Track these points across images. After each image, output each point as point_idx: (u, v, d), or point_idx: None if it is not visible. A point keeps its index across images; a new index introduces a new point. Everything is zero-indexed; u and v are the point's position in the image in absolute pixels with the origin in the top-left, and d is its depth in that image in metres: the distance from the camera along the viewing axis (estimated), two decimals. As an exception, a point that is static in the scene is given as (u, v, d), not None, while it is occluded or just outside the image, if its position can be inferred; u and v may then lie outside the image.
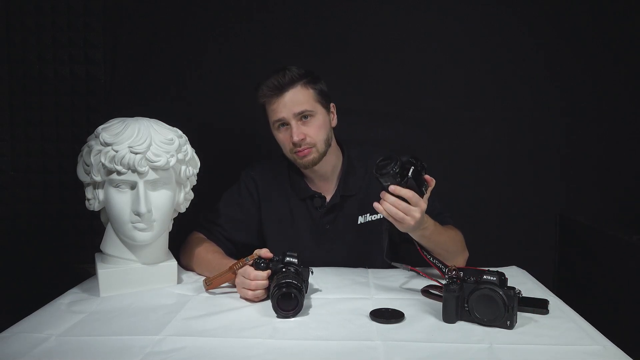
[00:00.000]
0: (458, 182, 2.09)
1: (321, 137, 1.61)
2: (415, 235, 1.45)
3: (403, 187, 1.34)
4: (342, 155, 1.72)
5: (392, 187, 1.33)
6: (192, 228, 1.70)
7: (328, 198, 1.70)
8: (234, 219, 1.69)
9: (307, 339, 1.16)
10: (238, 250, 1.67)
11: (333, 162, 1.69)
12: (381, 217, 1.65)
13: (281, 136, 1.61)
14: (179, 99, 2.07)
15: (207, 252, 1.58)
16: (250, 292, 1.35)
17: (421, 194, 1.37)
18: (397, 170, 1.33)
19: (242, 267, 1.39)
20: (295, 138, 1.56)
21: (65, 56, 2.04)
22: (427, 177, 1.39)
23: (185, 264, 1.63)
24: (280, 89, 1.56)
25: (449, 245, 1.55)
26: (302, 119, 1.58)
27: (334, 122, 1.67)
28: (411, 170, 1.35)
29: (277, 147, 1.86)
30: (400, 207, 1.34)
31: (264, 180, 1.72)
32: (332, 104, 1.66)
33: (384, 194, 1.35)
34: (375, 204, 1.36)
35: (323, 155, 1.63)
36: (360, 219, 1.68)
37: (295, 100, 1.56)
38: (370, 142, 1.81)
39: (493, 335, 1.17)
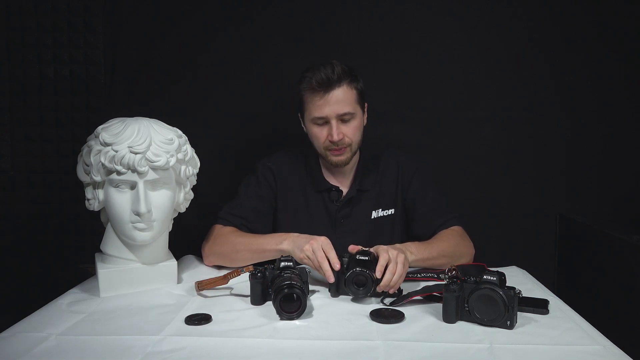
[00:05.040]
0: (458, 182, 2.09)
1: (357, 138, 1.64)
2: (411, 259, 1.48)
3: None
4: (359, 153, 1.74)
5: (378, 273, 1.36)
6: (192, 228, 1.69)
7: (344, 192, 1.72)
8: (256, 210, 1.69)
9: (307, 339, 1.16)
10: None
11: (355, 158, 1.72)
12: (393, 212, 1.71)
13: (317, 131, 1.62)
14: (179, 98, 2.07)
15: (250, 237, 1.60)
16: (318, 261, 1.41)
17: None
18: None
19: (236, 276, 1.41)
20: (336, 137, 1.58)
21: (65, 56, 2.04)
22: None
23: (214, 259, 1.62)
24: (328, 86, 1.56)
25: (446, 253, 1.57)
26: (343, 119, 1.59)
27: (365, 122, 1.69)
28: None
29: (278, 147, 1.87)
30: (393, 269, 1.36)
31: (281, 171, 1.73)
32: (365, 104, 1.68)
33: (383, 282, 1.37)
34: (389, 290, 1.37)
35: (354, 154, 1.67)
36: (374, 214, 1.71)
37: (341, 100, 1.57)
38: (370, 142, 1.81)
39: (493, 335, 1.17)
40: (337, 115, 1.58)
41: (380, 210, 1.72)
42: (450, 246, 1.60)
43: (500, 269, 1.41)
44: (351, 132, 1.61)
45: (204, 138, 1.69)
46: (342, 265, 1.39)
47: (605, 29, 2.06)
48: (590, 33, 2.07)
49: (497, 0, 2.07)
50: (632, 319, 1.67)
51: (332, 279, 1.39)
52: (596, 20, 2.06)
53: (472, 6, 2.07)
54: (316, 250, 1.42)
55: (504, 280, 1.23)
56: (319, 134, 1.62)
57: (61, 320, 1.24)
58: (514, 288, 1.20)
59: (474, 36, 2.08)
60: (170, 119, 1.47)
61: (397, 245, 1.50)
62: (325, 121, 1.60)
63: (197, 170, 1.52)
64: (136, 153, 1.32)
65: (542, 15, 2.07)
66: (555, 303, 1.35)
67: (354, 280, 1.35)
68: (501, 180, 2.12)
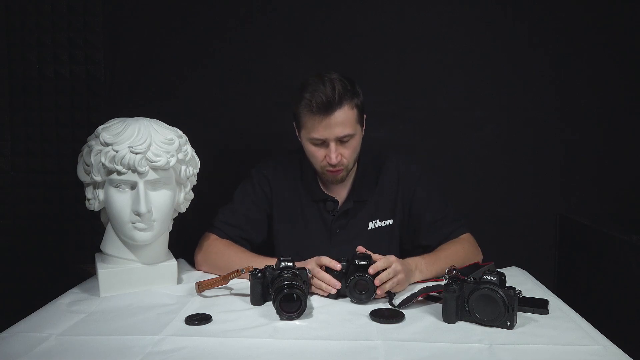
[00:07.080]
0: (458, 182, 2.10)
1: (354, 157, 1.60)
2: (419, 279, 1.48)
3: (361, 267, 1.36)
4: (357, 161, 1.69)
5: (370, 270, 1.36)
6: (192, 228, 1.69)
7: (340, 202, 1.68)
8: (251, 219, 1.66)
9: (307, 338, 1.16)
10: (253, 250, 1.65)
11: (352, 168, 1.67)
12: (391, 222, 1.68)
13: (314, 150, 1.57)
14: (179, 98, 2.07)
15: (237, 252, 1.58)
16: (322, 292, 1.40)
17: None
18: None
19: (237, 276, 1.40)
20: (334, 160, 1.53)
21: (65, 56, 2.04)
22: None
23: (206, 269, 1.61)
24: (329, 108, 1.48)
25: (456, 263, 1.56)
26: (342, 140, 1.54)
27: (363, 133, 1.62)
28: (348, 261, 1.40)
29: (278, 147, 1.87)
30: (389, 276, 1.37)
31: (276, 178, 1.69)
32: (364, 115, 1.61)
33: (376, 283, 1.36)
34: (378, 291, 1.36)
35: (350, 171, 1.63)
36: (371, 225, 1.67)
37: (341, 122, 1.50)
38: (370, 142, 1.81)
39: (493, 335, 1.17)
40: (336, 138, 1.52)
41: (377, 220, 1.67)
42: (461, 258, 1.57)
43: (500, 269, 1.41)
44: (349, 153, 1.56)
45: (204, 138, 1.69)
46: (341, 269, 1.39)
47: (605, 29, 2.07)
48: (591, 33, 2.07)
49: (498, 0, 2.07)
50: (632, 319, 1.67)
51: (338, 285, 1.38)
52: (596, 20, 2.07)
53: (473, 6, 2.07)
54: (312, 271, 1.39)
55: (504, 280, 1.23)
56: (316, 154, 1.57)
57: (61, 320, 1.24)
58: (514, 288, 1.20)
59: (474, 36, 2.09)
60: (170, 119, 1.47)
61: (409, 262, 1.47)
62: (323, 142, 1.54)
63: (198, 171, 1.51)
64: (136, 153, 1.32)
65: (543, 16, 2.07)
66: (555, 303, 1.35)
67: (356, 286, 1.35)
68: (501, 180, 2.12)
